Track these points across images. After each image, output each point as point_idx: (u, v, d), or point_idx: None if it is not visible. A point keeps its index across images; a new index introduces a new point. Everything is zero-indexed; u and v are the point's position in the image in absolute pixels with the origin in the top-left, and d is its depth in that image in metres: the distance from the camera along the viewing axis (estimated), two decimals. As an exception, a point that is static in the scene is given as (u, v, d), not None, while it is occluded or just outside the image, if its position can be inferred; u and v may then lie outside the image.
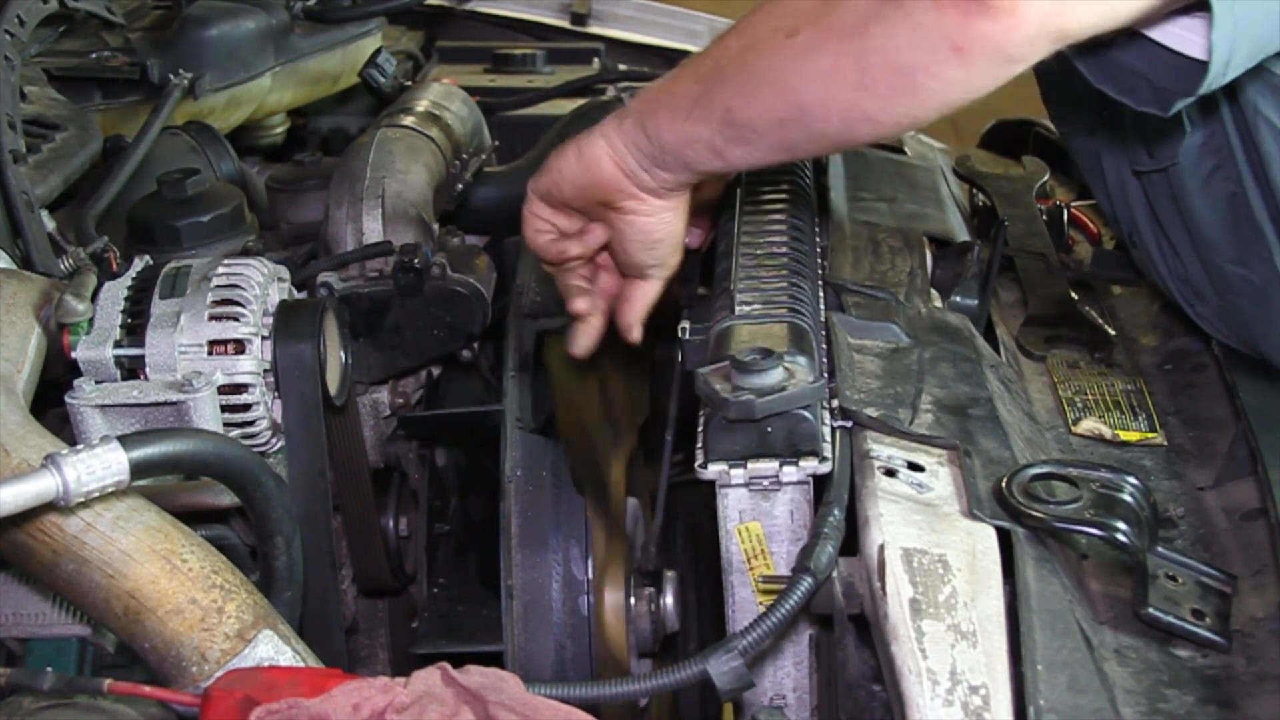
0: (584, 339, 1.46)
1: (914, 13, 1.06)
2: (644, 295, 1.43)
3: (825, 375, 1.33)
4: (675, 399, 1.51)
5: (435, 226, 1.76)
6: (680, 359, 1.45)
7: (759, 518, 1.26)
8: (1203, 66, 1.10)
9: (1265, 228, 1.33)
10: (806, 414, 1.23)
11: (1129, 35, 1.12)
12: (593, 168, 1.32)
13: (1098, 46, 1.14)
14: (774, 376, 1.23)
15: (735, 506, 1.26)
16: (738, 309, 1.40)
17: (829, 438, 1.25)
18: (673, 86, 1.26)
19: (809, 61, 1.13)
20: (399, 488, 1.75)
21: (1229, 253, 1.40)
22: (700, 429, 1.26)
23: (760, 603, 1.28)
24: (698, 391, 1.27)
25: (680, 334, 1.44)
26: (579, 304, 1.45)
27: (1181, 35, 1.10)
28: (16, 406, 1.19)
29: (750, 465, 1.23)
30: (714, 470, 1.24)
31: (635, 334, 1.45)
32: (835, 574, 1.15)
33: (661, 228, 1.36)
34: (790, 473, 1.23)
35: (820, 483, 1.24)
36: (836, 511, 1.17)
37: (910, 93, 1.11)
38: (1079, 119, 1.54)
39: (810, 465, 1.23)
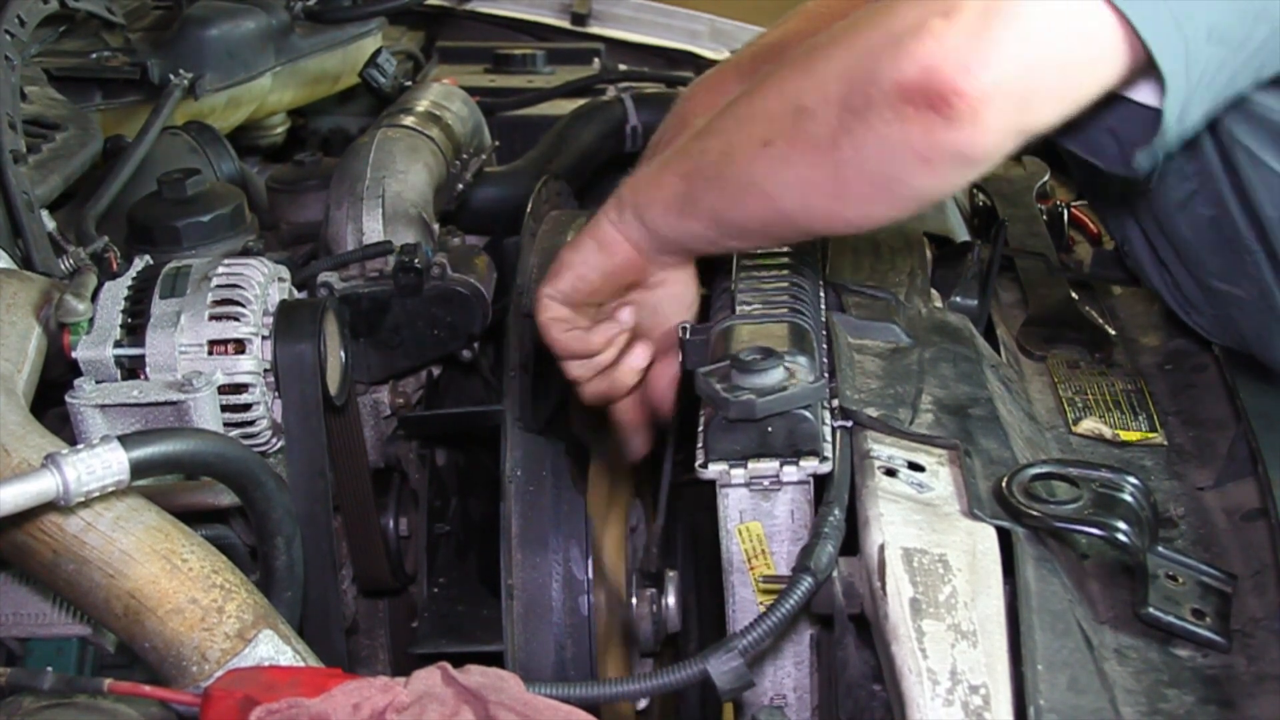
0: (638, 442, 1.49)
1: (878, 126, 1.07)
2: (673, 369, 1.44)
3: (825, 375, 1.33)
4: (676, 400, 1.51)
5: (435, 226, 1.76)
6: (680, 359, 1.45)
7: (759, 517, 1.26)
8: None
9: (1252, 246, 1.34)
10: (807, 414, 1.23)
11: None
12: (617, 253, 1.33)
13: None
14: (774, 376, 1.23)
15: (736, 506, 1.26)
16: (738, 309, 1.40)
17: (829, 437, 1.25)
18: (660, 180, 1.28)
19: (784, 172, 1.16)
20: (399, 488, 1.75)
21: (1215, 270, 1.41)
22: (701, 429, 1.26)
23: (760, 602, 1.28)
24: (698, 391, 1.27)
25: (680, 334, 1.44)
26: (637, 437, 1.47)
27: (1140, 88, 1.10)
28: (16, 406, 1.19)
29: (751, 465, 1.23)
30: (714, 470, 1.24)
31: (670, 409, 1.47)
32: (835, 574, 1.15)
33: (692, 286, 1.41)
34: (791, 472, 1.23)
35: (821, 482, 1.24)
36: (837, 511, 1.17)
37: (883, 199, 1.15)
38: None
39: (811, 465, 1.23)
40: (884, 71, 1.05)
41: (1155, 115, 1.10)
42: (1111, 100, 1.11)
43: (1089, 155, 1.20)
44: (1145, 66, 1.05)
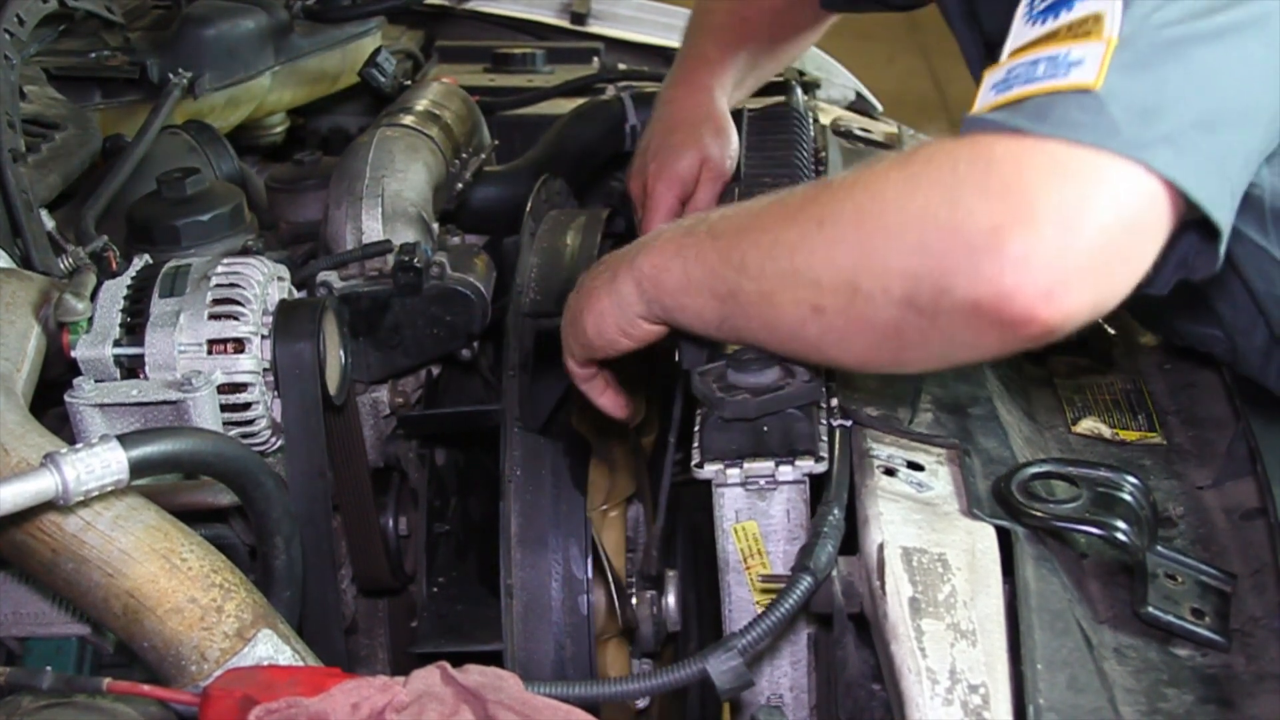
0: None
1: (946, 329, 1.03)
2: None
3: (822, 374, 1.33)
4: (679, 403, 1.50)
5: (435, 226, 1.75)
6: (678, 359, 1.45)
7: (755, 517, 1.26)
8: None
9: (1217, 305, 1.34)
10: (802, 413, 1.23)
11: None
12: (646, 338, 1.30)
13: None
14: (770, 376, 1.23)
15: (731, 506, 1.26)
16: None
17: (825, 437, 1.25)
18: (688, 287, 1.20)
19: (843, 343, 1.12)
20: (399, 487, 1.75)
21: (1187, 317, 1.41)
22: (697, 428, 1.26)
23: (758, 602, 1.28)
24: (694, 390, 1.27)
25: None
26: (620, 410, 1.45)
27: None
28: (16, 406, 1.19)
29: (746, 465, 1.23)
30: (710, 470, 1.24)
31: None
32: (835, 573, 1.15)
33: None
34: (786, 472, 1.23)
35: (817, 482, 1.24)
36: (836, 510, 1.17)
37: (945, 364, 1.16)
38: None
39: (806, 465, 1.23)
40: (957, 287, 0.99)
41: (1197, 231, 1.08)
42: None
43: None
44: (1193, 211, 1.02)
